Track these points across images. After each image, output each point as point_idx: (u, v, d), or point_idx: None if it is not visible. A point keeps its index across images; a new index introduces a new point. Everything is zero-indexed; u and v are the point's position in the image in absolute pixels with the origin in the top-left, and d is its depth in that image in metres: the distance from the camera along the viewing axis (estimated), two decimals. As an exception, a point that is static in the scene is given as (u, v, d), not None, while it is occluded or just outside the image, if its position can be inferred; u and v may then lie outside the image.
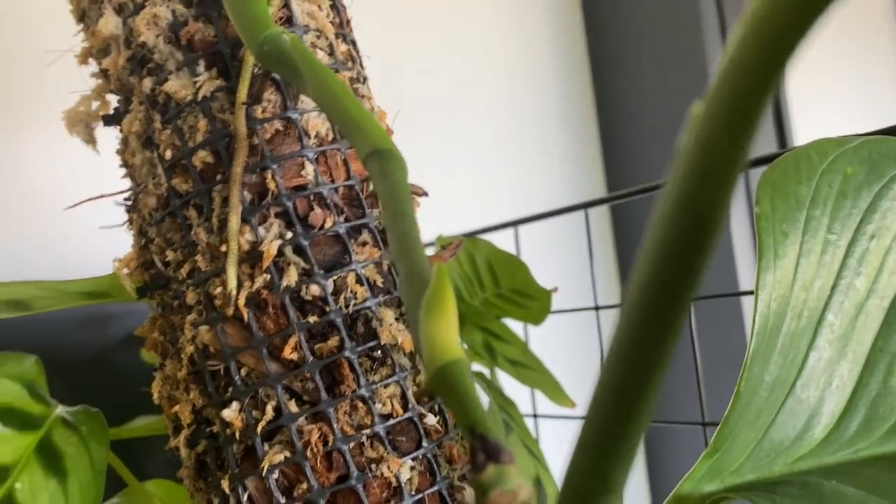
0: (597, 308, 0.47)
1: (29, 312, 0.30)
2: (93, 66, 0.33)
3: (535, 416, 0.52)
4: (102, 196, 0.32)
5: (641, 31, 0.92)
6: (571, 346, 0.67)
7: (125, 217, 0.33)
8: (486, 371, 0.49)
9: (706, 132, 0.11)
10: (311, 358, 0.28)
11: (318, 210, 0.29)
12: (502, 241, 0.51)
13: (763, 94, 0.10)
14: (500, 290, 0.45)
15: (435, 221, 0.63)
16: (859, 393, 0.27)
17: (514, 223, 0.52)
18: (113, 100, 0.33)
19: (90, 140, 0.34)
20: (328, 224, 0.29)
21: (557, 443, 0.53)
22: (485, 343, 0.49)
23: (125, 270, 0.32)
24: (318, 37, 0.30)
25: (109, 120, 0.34)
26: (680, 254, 0.11)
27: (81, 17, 0.33)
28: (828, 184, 0.29)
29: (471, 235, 0.55)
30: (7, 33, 0.56)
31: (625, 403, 0.12)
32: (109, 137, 0.34)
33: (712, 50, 0.84)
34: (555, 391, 0.46)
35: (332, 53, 0.31)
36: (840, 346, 0.27)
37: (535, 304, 0.43)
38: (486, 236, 0.56)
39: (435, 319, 0.18)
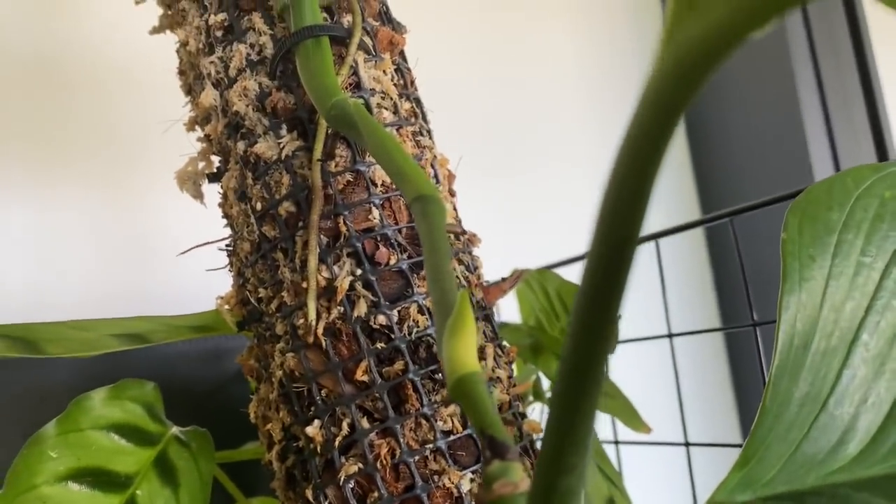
0: (670, 336, 0.49)
1: (146, 344, 0.35)
2: (198, 132, 0.39)
3: (616, 442, 0.54)
4: (208, 243, 0.38)
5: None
6: (649, 373, 0.67)
7: (226, 261, 0.38)
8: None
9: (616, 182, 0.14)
10: (380, 380, 0.32)
11: (383, 249, 0.32)
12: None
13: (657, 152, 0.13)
14: (573, 320, 0.48)
15: (526, 254, 0.66)
16: (897, 410, 0.28)
17: (583, 257, 0.54)
18: (216, 160, 0.39)
19: (198, 195, 0.39)
20: (393, 261, 0.32)
21: (638, 468, 0.54)
22: (563, 371, 0.51)
23: (226, 307, 0.37)
24: (384, 98, 0.35)
25: (213, 178, 0.39)
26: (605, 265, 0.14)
27: (188, 90, 0.39)
28: (863, 208, 0.30)
29: (552, 267, 0.57)
30: (131, 106, 0.64)
31: (570, 409, 0.15)
32: (213, 193, 0.39)
33: (801, 70, 0.84)
34: (631, 417, 0.48)
35: (396, 112, 0.35)
36: (877, 364, 0.28)
37: (603, 332, 0.45)
38: (571, 268, 0.58)
39: (456, 338, 0.21)
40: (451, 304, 0.22)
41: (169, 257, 0.59)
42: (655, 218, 0.78)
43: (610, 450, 0.52)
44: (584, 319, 0.14)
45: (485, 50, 0.86)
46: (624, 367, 0.60)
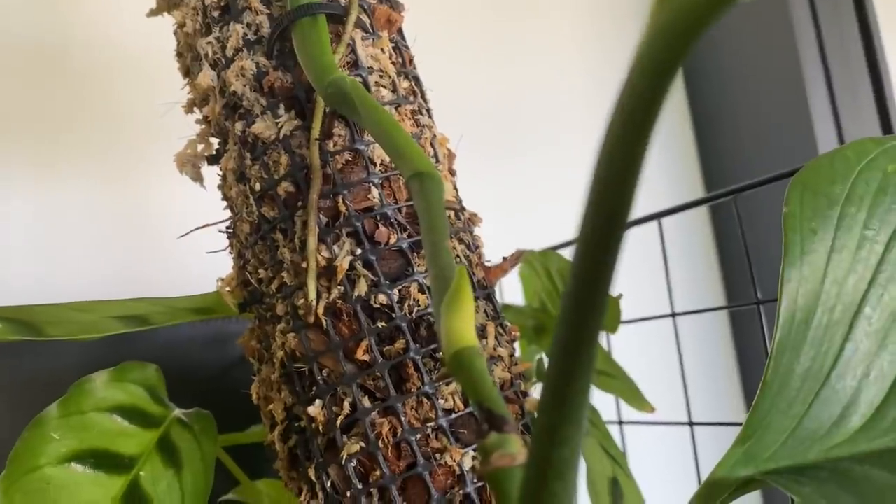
0: (673, 315, 0.49)
1: (148, 327, 0.35)
2: (197, 114, 0.39)
3: (620, 422, 0.54)
4: (208, 225, 0.37)
5: (732, 29, 0.91)
6: (654, 353, 0.67)
7: (227, 242, 0.38)
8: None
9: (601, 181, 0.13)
10: (381, 359, 0.31)
11: (383, 228, 0.32)
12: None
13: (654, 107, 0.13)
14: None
15: (529, 235, 0.66)
16: (900, 383, 0.28)
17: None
18: (215, 142, 0.39)
19: (197, 177, 0.39)
20: (392, 240, 0.32)
21: (643, 447, 0.54)
22: (566, 351, 0.51)
23: (227, 289, 0.36)
24: (382, 76, 0.34)
25: (213, 160, 0.39)
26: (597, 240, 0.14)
27: (186, 72, 0.39)
28: (865, 182, 0.30)
29: (555, 249, 0.57)
30: (132, 88, 0.64)
31: (560, 391, 0.15)
32: (213, 175, 0.39)
33: (805, 42, 0.83)
34: (634, 397, 0.48)
35: (394, 90, 0.35)
36: (879, 337, 0.28)
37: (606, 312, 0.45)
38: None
39: (453, 313, 0.21)
40: (449, 279, 0.22)
41: (172, 240, 0.59)
42: (659, 197, 0.78)
43: (614, 430, 0.52)
44: (577, 293, 0.14)
45: (490, 28, 0.86)
46: (628, 347, 0.60)
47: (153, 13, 0.40)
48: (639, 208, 0.57)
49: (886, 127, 0.81)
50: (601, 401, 0.52)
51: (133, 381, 0.36)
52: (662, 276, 0.52)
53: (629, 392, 0.48)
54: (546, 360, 0.51)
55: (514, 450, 0.19)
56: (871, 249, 0.29)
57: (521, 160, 0.83)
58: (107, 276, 0.59)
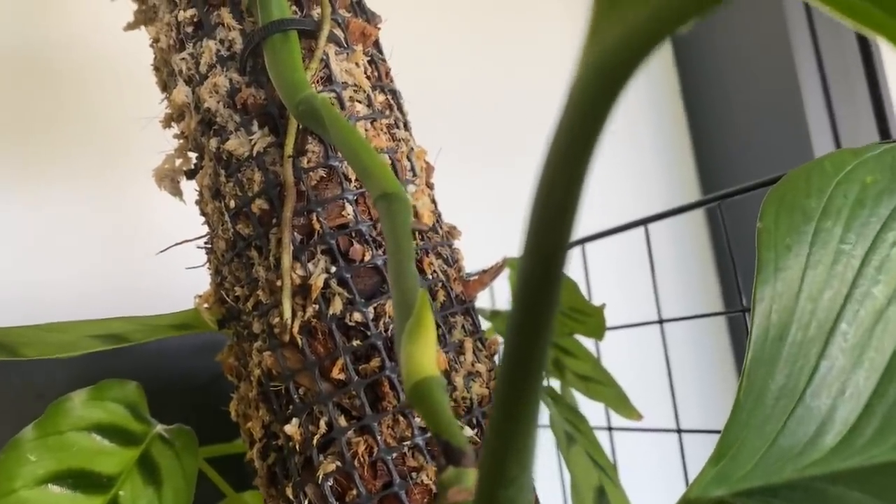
0: (661, 321, 0.48)
1: (126, 344, 0.35)
2: (175, 128, 0.38)
3: (609, 428, 0.53)
4: (186, 241, 0.37)
5: (728, 32, 0.91)
6: (642, 359, 0.67)
7: (205, 258, 0.38)
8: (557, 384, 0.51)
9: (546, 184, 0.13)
10: (356, 378, 0.31)
11: (357, 245, 0.32)
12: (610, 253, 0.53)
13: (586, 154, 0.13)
14: (562, 308, 0.47)
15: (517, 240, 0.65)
16: (876, 400, 0.27)
17: (581, 241, 0.54)
18: (193, 156, 0.38)
19: (176, 192, 0.39)
20: (367, 258, 0.32)
21: (633, 454, 0.54)
22: (554, 359, 0.51)
23: (205, 305, 0.36)
24: (356, 91, 0.34)
25: (191, 174, 0.39)
26: (535, 283, 0.13)
27: (164, 87, 0.39)
28: (843, 194, 0.30)
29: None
30: (118, 101, 0.64)
31: (509, 407, 0.14)
32: (194, 189, 0.39)
33: (801, 46, 0.82)
34: (622, 404, 0.47)
35: (370, 105, 0.34)
36: (855, 354, 0.28)
37: (591, 320, 0.45)
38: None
39: (414, 342, 0.21)
40: (411, 305, 0.22)
41: (160, 253, 0.59)
42: (655, 201, 0.78)
43: (604, 436, 0.52)
44: (519, 331, 0.14)
45: (480, 36, 0.85)
46: (623, 353, 0.60)
47: (130, 27, 0.40)
48: (635, 212, 0.56)
49: (884, 132, 0.80)
50: (591, 407, 0.51)
51: (113, 399, 0.36)
52: (659, 280, 0.51)
53: (617, 399, 0.48)
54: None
55: (471, 484, 0.18)
56: (847, 264, 0.29)
57: (513, 163, 0.83)
58: (98, 288, 0.59)
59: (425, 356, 0.20)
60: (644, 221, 0.48)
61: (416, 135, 0.38)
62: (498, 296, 0.63)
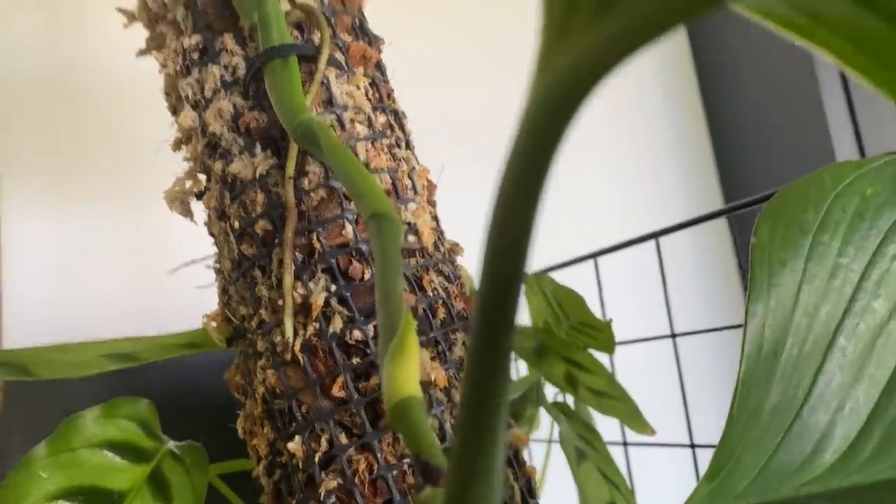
0: (673, 336, 0.48)
1: (136, 363, 0.35)
2: (185, 151, 0.39)
3: (624, 444, 0.53)
4: (195, 261, 0.38)
5: (749, 38, 0.90)
6: (660, 373, 0.66)
7: (213, 278, 0.38)
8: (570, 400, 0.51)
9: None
10: (357, 396, 0.32)
11: (357, 264, 0.33)
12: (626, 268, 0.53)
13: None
14: (571, 322, 0.47)
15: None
16: (876, 416, 0.27)
17: (594, 255, 0.54)
18: (203, 178, 0.39)
19: (187, 213, 0.40)
20: (367, 276, 0.32)
21: (647, 470, 0.53)
22: (567, 374, 0.51)
23: (213, 324, 0.37)
24: (357, 112, 0.35)
25: (201, 196, 0.39)
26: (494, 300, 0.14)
27: (174, 111, 0.40)
28: (841, 208, 0.29)
29: (550, 270, 0.57)
30: (140, 122, 0.65)
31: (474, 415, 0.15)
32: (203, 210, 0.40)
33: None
34: (634, 419, 0.47)
35: (370, 126, 0.35)
36: (855, 369, 0.28)
37: (600, 334, 0.45)
38: (569, 270, 0.58)
39: (396, 363, 0.21)
40: (395, 327, 0.22)
41: (184, 271, 0.60)
42: (677, 210, 0.77)
43: (619, 452, 0.51)
44: (477, 357, 0.14)
45: (488, 48, 0.86)
46: (640, 368, 0.59)
47: (142, 53, 0.41)
48: (656, 223, 0.56)
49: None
50: (606, 423, 0.51)
51: (125, 416, 0.37)
52: (679, 292, 0.51)
53: (630, 414, 0.48)
54: (542, 385, 0.51)
55: None
56: (845, 278, 0.28)
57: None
58: (122, 305, 0.60)
59: (406, 377, 0.21)
60: (655, 235, 0.48)
61: (422, 151, 0.38)
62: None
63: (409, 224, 0.35)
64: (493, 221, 0.14)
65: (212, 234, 0.38)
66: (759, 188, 0.87)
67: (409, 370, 0.21)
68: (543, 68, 0.13)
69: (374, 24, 0.39)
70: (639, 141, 0.89)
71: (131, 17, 0.42)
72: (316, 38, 0.35)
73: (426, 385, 0.32)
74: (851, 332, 0.28)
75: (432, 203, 0.37)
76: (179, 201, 0.39)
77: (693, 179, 0.92)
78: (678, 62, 0.95)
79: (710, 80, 0.94)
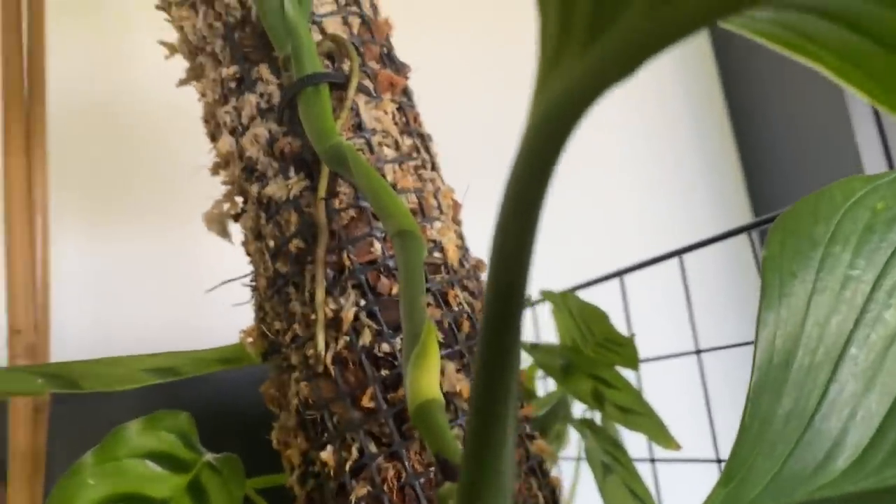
0: (698, 352, 0.49)
1: (177, 377, 0.37)
2: (222, 175, 0.42)
3: (652, 460, 0.54)
4: (232, 280, 0.40)
5: (776, 54, 0.91)
6: (683, 389, 0.67)
7: (249, 296, 0.40)
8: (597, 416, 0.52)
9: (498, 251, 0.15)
10: (385, 406, 0.33)
11: (385, 280, 0.34)
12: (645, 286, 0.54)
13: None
14: (597, 339, 0.48)
15: (555, 274, 0.66)
16: (888, 423, 0.28)
17: (620, 273, 0.54)
18: (240, 200, 0.41)
19: (224, 234, 0.42)
20: (394, 291, 0.34)
21: (675, 485, 0.54)
22: (593, 391, 0.52)
23: (249, 339, 0.39)
24: (385, 136, 0.36)
25: (238, 217, 0.42)
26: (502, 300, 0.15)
27: (212, 137, 0.42)
28: (852, 220, 0.30)
29: (576, 289, 0.58)
30: (181, 148, 0.68)
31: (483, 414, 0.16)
32: (240, 231, 0.42)
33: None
34: (660, 434, 0.48)
35: (397, 148, 0.37)
36: (867, 378, 0.28)
37: (624, 350, 0.46)
38: (597, 288, 0.59)
39: (419, 368, 0.22)
40: (419, 336, 0.24)
41: (220, 290, 0.62)
42: (707, 225, 0.78)
43: (646, 468, 0.52)
44: (485, 364, 0.15)
45: (518, 65, 0.87)
46: (667, 384, 0.60)
47: (182, 83, 0.44)
48: (685, 239, 0.57)
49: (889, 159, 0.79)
50: (632, 439, 0.52)
51: (165, 429, 0.38)
52: (707, 307, 0.52)
53: (654, 429, 0.48)
54: (569, 402, 0.52)
55: (465, 498, 0.20)
56: (856, 289, 0.29)
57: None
58: (158, 324, 0.63)
59: (428, 381, 0.22)
60: (679, 252, 0.49)
61: (449, 169, 0.40)
62: (542, 328, 0.64)
63: (434, 242, 0.36)
64: (496, 237, 0.15)
65: (248, 254, 0.40)
66: (789, 202, 0.87)
67: (431, 375, 0.22)
68: (540, 94, 0.15)
69: (403, 46, 0.41)
70: (666, 158, 0.90)
71: (172, 49, 0.44)
72: (346, 66, 0.37)
73: (452, 395, 0.33)
74: (863, 341, 0.29)
75: (457, 222, 0.39)
76: (217, 223, 0.42)
77: (722, 195, 0.92)
78: (704, 77, 0.95)
79: (736, 95, 0.95)
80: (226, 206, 0.41)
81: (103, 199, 0.65)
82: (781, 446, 0.27)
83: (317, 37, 0.36)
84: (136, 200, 0.66)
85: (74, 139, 0.66)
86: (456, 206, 0.39)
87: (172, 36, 0.43)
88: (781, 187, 0.89)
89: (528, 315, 0.65)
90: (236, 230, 0.42)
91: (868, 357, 0.28)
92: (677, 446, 0.47)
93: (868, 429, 0.28)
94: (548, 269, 0.74)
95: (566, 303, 0.49)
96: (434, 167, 0.39)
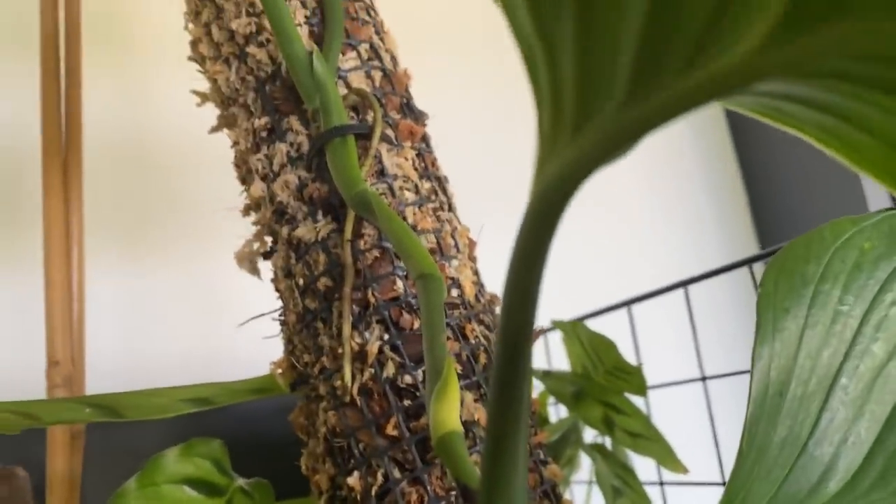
0: (703, 379, 0.51)
1: (211, 406, 0.40)
2: (253, 216, 0.44)
3: (661, 483, 0.55)
4: (263, 315, 0.43)
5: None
6: (690, 414, 0.69)
7: (278, 329, 0.43)
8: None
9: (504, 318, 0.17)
10: (408, 434, 0.35)
11: (407, 315, 0.37)
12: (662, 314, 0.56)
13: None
14: (606, 367, 0.50)
15: (564, 304, 0.69)
16: (877, 448, 0.30)
17: (628, 302, 0.57)
18: (269, 240, 0.44)
19: (254, 271, 0.45)
20: (416, 326, 0.37)
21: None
22: (604, 416, 0.54)
23: (279, 371, 0.41)
24: (405, 181, 0.39)
25: (268, 255, 0.44)
26: (510, 353, 0.18)
27: (243, 181, 0.45)
28: (841, 259, 0.33)
29: (585, 318, 0.60)
30: (207, 186, 0.71)
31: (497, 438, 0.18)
32: (269, 268, 0.45)
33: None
34: (667, 458, 0.50)
35: (417, 192, 0.39)
36: (856, 406, 0.30)
37: (632, 378, 0.48)
38: (606, 318, 0.61)
39: (441, 402, 0.25)
40: (440, 371, 0.26)
41: (250, 323, 0.65)
42: (713, 255, 0.80)
43: (655, 491, 0.54)
44: (498, 399, 0.18)
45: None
46: (675, 409, 0.62)
47: (214, 130, 0.47)
48: (695, 269, 0.59)
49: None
50: (641, 462, 0.54)
51: (200, 456, 0.41)
52: (715, 335, 0.54)
53: (662, 453, 0.50)
54: (580, 428, 0.54)
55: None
56: (846, 323, 0.31)
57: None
58: (185, 353, 0.65)
59: (449, 414, 0.25)
60: (684, 283, 0.51)
61: (464, 207, 0.43)
62: (553, 356, 0.66)
63: (452, 279, 0.39)
64: (507, 287, 0.18)
65: (278, 290, 0.43)
66: (794, 234, 0.89)
67: (452, 408, 0.25)
68: (539, 172, 0.17)
69: (424, 93, 0.43)
70: (674, 191, 0.92)
71: (203, 98, 0.47)
72: (369, 117, 0.39)
73: (470, 424, 0.36)
74: (852, 372, 0.31)
75: (473, 259, 0.41)
76: (248, 261, 0.44)
77: (729, 226, 0.94)
78: (711, 112, 0.98)
79: (743, 129, 0.98)
80: (256, 244, 0.44)
81: (134, 237, 0.68)
82: (777, 471, 0.29)
83: (342, 90, 0.39)
84: (165, 237, 0.69)
85: (107, 179, 0.69)
86: (471, 245, 0.41)
87: (201, 83, 0.46)
88: (787, 219, 0.91)
89: (540, 343, 0.67)
90: (265, 267, 0.45)
91: (857, 387, 0.31)
92: (684, 470, 0.49)
93: (858, 454, 0.30)
94: (560, 298, 0.76)
95: (576, 332, 0.51)
96: (451, 208, 0.41)
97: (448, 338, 0.37)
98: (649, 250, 0.90)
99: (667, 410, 0.61)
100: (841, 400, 0.30)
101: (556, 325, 0.55)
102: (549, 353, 0.68)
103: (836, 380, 0.31)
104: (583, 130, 0.15)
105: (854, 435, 0.30)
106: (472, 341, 0.38)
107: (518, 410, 0.18)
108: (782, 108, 0.19)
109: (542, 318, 0.55)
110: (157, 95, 0.72)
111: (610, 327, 0.59)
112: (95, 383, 0.59)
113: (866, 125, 0.15)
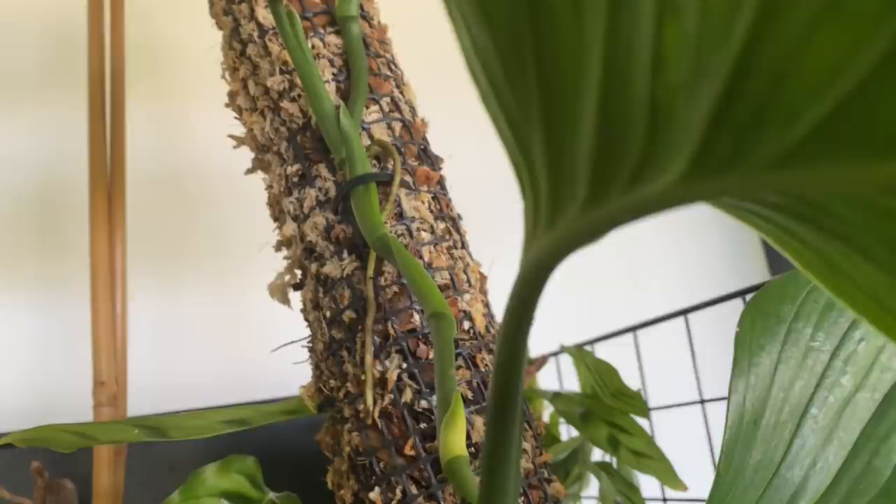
0: (702, 402, 0.54)
1: (247, 427, 0.44)
2: (284, 251, 0.49)
3: (664, 500, 0.59)
4: (293, 342, 0.47)
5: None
6: (692, 435, 0.72)
7: (307, 356, 0.47)
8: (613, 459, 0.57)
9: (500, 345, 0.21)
10: (424, 454, 0.39)
11: (423, 346, 0.41)
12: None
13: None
14: (611, 391, 0.54)
15: (572, 329, 0.72)
16: (843, 472, 0.33)
17: (633, 328, 0.60)
18: (298, 273, 0.48)
19: (285, 302, 0.49)
20: (431, 355, 0.40)
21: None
22: (609, 436, 0.57)
23: (307, 394, 0.45)
24: (422, 223, 0.43)
25: (298, 287, 0.49)
26: (505, 387, 0.21)
27: (275, 219, 0.49)
28: (814, 300, 0.36)
29: (592, 342, 0.64)
30: (237, 216, 0.76)
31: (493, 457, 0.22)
32: (299, 299, 0.49)
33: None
34: (668, 476, 0.53)
35: (433, 232, 0.43)
36: (825, 433, 0.34)
37: (634, 402, 0.52)
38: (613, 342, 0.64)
39: (449, 430, 0.29)
40: (449, 402, 0.30)
41: (281, 350, 0.70)
42: (724, 281, 0.83)
43: (659, 507, 0.57)
44: (491, 447, 0.22)
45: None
46: (679, 429, 0.65)
47: (249, 172, 0.51)
48: (704, 294, 0.62)
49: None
50: (644, 480, 0.57)
51: (236, 471, 0.45)
52: (721, 359, 0.57)
53: (663, 472, 0.54)
54: (589, 447, 0.57)
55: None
56: (817, 358, 0.35)
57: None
58: (218, 375, 0.70)
59: (457, 441, 0.28)
60: (683, 312, 0.54)
61: (475, 241, 0.47)
62: (565, 377, 0.70)
63: (464, 312, 0.42)
64: (500, 340, 0.22)
65: (306, 321, 0.47)
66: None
67: (459, 435, 0.29)
68: (526, 252, 0.21)
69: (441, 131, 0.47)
70: (684, 218, 0.96)
71: (239, 142, 0.52)
72: (390, 165, 0.44)
73: (480, 446, 0.40)
74: (822, 402, 0.34)
75: (484, 292, 0.45)
76: (280, 292, 0.49)
77: (740, 252, 0.97)
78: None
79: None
80: (287, 277, 0.49)
81: (172, 266, 0.73)
82: (752, 492, 0.33)
83: (366, 141, 0.44)
84: (201, 266, 0.74)
85: (149, 210, 0.74)
86: (482, 279, 0.45)
87: (238, 126, 0.51)
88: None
89: (551, 365, 0.71)
90: (294, 297, 0.49)
91: (827, 416, 0.34)
92: (684, 487, 0.53)
93: (826, 476, 0.33)
94: (573, 322, 0.80)
95: (582, 357, 0.55)
96: (463, 245, 0.45)
97: (460, 366, 0.41)
98: (661, 275, 0.93)
99: (671, 430, 0.64)
100: (811, 427, 0.34)
101: (565, 350, 0.59)
102: (561, 375, 0.71)
103: (808, 409, 0.34)
104: (555, 225, 0.19)
105: (822, 460, 0.33)
106: (483, 369, 0.42)
107: (510, 438, 0.22)
108: (741, 209, 0.23)
109: (554, 342, 0.58)
110: (197, 130, 0.77)
111: (620, 351, 0.62)
112: (136, 401, 0.64)
113: (799, 237, 0.19)
